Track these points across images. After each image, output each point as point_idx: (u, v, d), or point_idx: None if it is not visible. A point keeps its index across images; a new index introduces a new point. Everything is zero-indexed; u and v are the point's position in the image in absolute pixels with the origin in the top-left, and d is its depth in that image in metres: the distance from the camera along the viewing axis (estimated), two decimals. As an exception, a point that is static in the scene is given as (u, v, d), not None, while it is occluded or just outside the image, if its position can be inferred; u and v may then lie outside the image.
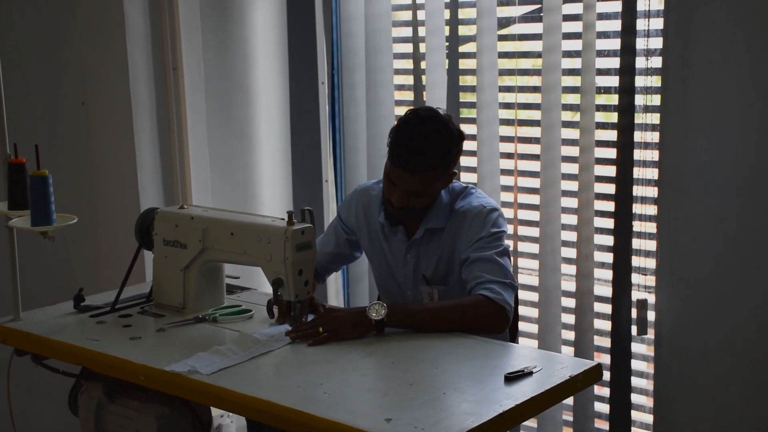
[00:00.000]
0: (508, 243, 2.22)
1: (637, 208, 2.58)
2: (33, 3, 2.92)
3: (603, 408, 2.75)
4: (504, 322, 2.07)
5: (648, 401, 2.71)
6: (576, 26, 2.66)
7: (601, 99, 2.67)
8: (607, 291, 2.68)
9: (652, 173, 2.54)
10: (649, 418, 2.68)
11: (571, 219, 2.75)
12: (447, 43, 2.93)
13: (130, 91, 2.81)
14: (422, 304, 2.21)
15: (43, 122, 2.95)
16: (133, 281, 2.32)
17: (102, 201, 2.97)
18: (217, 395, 1.76)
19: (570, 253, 2.77)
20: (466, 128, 2.93)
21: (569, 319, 2.80)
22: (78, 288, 2.28)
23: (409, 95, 3.14)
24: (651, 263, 2.58)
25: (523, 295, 2.84)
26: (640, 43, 2.50)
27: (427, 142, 2.11)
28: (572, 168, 2.73)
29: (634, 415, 2.69)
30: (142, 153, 2.86)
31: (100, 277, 2.94)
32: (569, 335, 2.81)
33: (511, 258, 2.21)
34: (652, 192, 2.55)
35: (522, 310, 2.79)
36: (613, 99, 2.64)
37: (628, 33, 2.50)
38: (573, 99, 2.74)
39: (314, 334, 1.99)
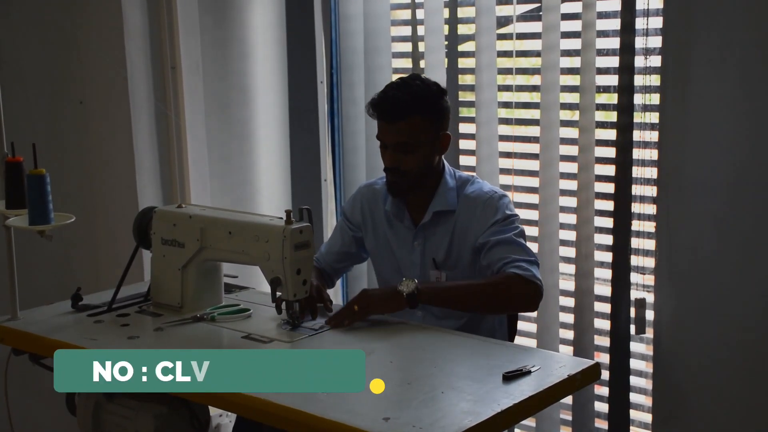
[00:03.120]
0: (522, 227, 2.22)
1: (636, 207, 2.58)
2: (31, 1, 2.91)
3: (602, 407, 2.75)
4: (537, 297, 2.10)
5: (647, 400, 2.70)
6: (575, 25, 2.66)
7: (601, 98, 2.67)
8: (605, 290, 2.68)
9: (651, 172, 2.54)
10: (647, 417, 2.68)
11: (570, 218, 2.75)
12: (446, 42, 2.93)
13: (128, 90, 2.80)
14: (452, 282, 2.22)
15: (40, 121, 2.94)
16: (131, 280, 2.31)
17: (100, 200, 2.97)
18: (215, 394, 1.76)
19: (568, 252, 2.77)
20: (465, 127, 2.96)
21: (566, 318, 2.80)
22: (76, 287, 2.28)
23: (408, 94, 3.13)
24: (650, 262, 2.58)
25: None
26: (640, 42, 2.50)
27: (402, 90, 2.18)
28: (571, 167, 2.72)
29: (633, 414, 2.69)
30: (140, 152, 2.86)
31: (98, 277, 2.94)
32: (567, 334, 2.81)
33: (526, 240, 2.22)
34: (651, 191, 2.55)
35: (521, 309, 2.79)
36: (613, 98, 2.64)
37: (628, 32, 2.50)
38: (572, 98, 2.74)
39: (350, 312, 2.04)
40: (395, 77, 3.13)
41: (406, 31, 3.10)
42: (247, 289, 2.43)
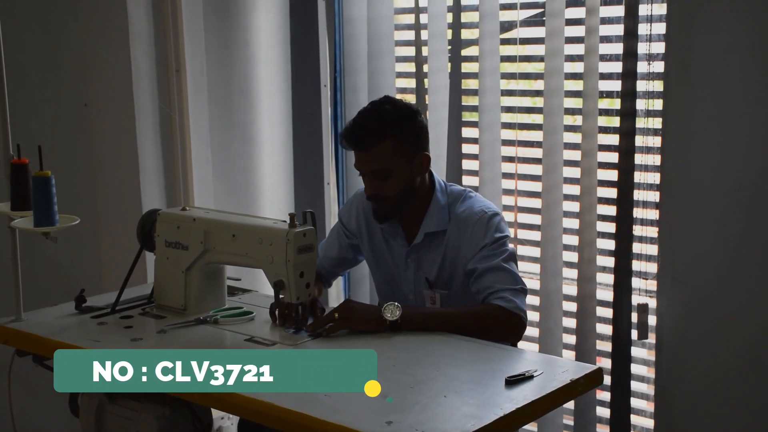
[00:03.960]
0: (513, 248, 2.23)
1: (639, 213, 2.58)
2: (37, 4, 2.92)
3: (603, 412, 2.75)
4: (520, 329, 2.11)
5: (648, 406, 2.71)
6: (578, 30, 2.66)
7: (603, 103, 2.68)
8: (607, 295, 2.68)
9: (654, 178, 2.54)
10: (649, 423, 2.68)
11: (573, 223, 2.75)
12: (449, 47, 2.94)
13: (132, 93, 2.82)
14: (436, 309, 2.22)
15: (46, 123, 2.96)
16: (134, 282, 2.32)
17: (104, 202, 2.98)
18: (217, 397, 1.77)
19: (570, 256, 2.77)
20: (468, 132, 2.96)
21: (568, 322, 2.80)
22: (79, 289, 2.29)
23: (411, 98, 3.14)
24: (652, 267, 2.59)
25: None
26: (643, 48, 2.51)
27: (370, 116, 2.17)
28: (574, 172, 2.73)
29: (635, 419, 2.69)
30: (145, 154, 2.87)
31: (102, 279, 2.95)
32: (570, 339, 2.81)
33: (517, 261, 2.22)
34: (654, 196, 2.55)
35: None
36: (615, 103, 2.64)
37: (631, 37, 2.51)
38: (575, 103, 2.74)
39: (331, 320, 2.03)
40: (399, 81, 3.16)
41: (410, 35, 3.10)
42: (250, 291, 2.44)
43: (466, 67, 2.94)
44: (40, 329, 2.12)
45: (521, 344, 2.62)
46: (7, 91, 2.15)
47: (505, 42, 2.86)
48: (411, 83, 3.14)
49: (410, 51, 3.12)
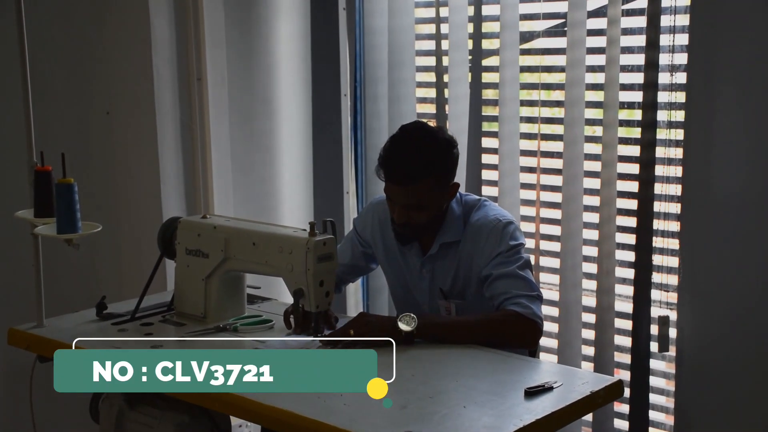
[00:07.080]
0: (528, 256, 2.22)
1: (660, 224, 2.57)
2: (61, 14, 2.96)
3: (622, 425, 2.73)
4: (536, 336, 2.09)
5: (667, 419, 2.68)
6: (600, 41, 2.66)
7: (624, 114, 2.67)
8: (627, 307, 2.67)
9: (675, 189, 2.53)
10: (669, 436, 2.66)
11: (593, 234, 2.74)
12: (470, 57, 2.94)
13: (154, 101, 2.83)
14: (453, 318, 2.21)
15: (69, 131, 2.98)
16: (154, 290, 2.33)
17: (125, 209, 2.99)
18: (236, 404, 1.77)
19: (591, 268, 2.76)
20: (488, 142, 2.96)
21: (587, 334, 2.78)
22: (101, 296, 2.30)
23: (431, 108, 3.14)
24: (673, 280, 2.57)
25: (543, 309, 2.82)
26: (665, 59, 2.50)
27: (414, 153, 2.12)
28: (594, 183, 2.72)
29: (654, 432, 2.68)
30: (166, 162, 2.88)
31: (123, 285, 2.96)
32: (587, 350, 2.79)
33: (533, 270, 2.21)
34: (675, 208, 2.54)
35: (542, 325, 2.77)
36: (637, 114, 2.63)
37: (653, 48, 2.50)
38: (596, 114, 2.74)
39: (345, 335, 2.01)
40: (419, 91, 3.16)
41: (430, 45, 3.11)
42: (269, 300, 2.44)
43: (487, 78, 2.95)
44: (61, 335, 2.13)
45: (539, 355, 2.61)
46: (31, 100, 2.17)
47: (526, 52, 2.86)
48: (431, 93, 3.15)
49: (431, 61, 3.12)
